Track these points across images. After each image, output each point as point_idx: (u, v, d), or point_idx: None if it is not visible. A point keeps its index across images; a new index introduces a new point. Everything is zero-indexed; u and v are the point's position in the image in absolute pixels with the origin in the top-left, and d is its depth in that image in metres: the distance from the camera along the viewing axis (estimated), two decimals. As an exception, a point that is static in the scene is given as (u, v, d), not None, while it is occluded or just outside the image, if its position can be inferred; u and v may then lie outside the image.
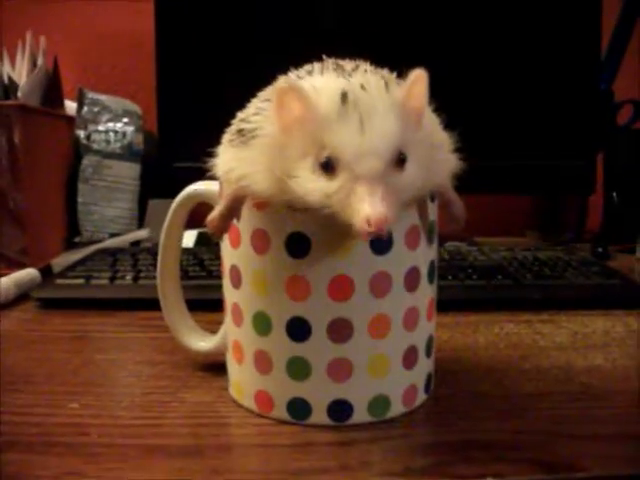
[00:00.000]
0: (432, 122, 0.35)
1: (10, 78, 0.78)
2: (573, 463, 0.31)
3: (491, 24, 0.81)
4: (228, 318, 0.37)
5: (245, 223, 0.34)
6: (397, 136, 0.30)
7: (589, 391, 0.39)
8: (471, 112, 0.81)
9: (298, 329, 0.33)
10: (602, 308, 0.57)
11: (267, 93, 0.35)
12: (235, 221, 0.34)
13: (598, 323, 0.53)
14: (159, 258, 0.42)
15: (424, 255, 0.35)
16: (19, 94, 0.76)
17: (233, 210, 0.33)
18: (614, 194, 0.91)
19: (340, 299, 0.33)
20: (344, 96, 0.30)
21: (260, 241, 0.33)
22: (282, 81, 0.32)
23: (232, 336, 0.37)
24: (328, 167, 0.30)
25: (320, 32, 0.79)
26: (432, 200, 0.35)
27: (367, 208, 0.28)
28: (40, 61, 0.82)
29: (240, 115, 0.36)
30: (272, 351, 0.34)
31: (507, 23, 0.81)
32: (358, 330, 0.33)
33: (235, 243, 0.35)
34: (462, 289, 0.59)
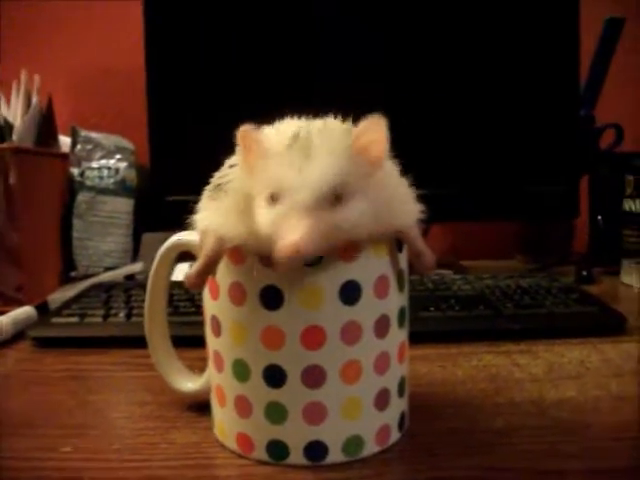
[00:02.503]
0: (389, 168, 0.37)
1: (5, 119, 0.81)
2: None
3: (472, 51, 0.83)
4: (210, 363, 0.39)
5: (222, 276, 0.36)
6: (334, 174, 0.33)
7: (559, 425, 0.41)
8: (456, 141, 0.83)
9: (274, 376, 0.35)
10: (579, 336, 0.58)
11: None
12: (213, 275, 0.36)
13: (574, 352, 0.55)
14: (146, 304, 0.44)
15: (394, 302, 0.37)
16: (14, 136, 0.78)
17: (209, 267, 0.36)
18: (599, 217, 0.94)
19: (313, 348, 0.35)
20: (295, 136, 0.33)
21: (237, 293, 0.35)
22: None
23: (214, 380, 0.39)
24: (273, 199, 0.33)
25: (315, 76, 0.82)
26: (400, 249, 0.37)
27: (286, 236, 0.31)
28: (34, 100, 0.85)
29: (218, 172, 0.38)
30: (251, 396, 0.36)
31: (487, 50, 0.83)
32: (331, 376, 0.35)
33: (214, 295, 0.37)
34: (444, 321, 0.61)
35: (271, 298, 0.34)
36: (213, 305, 0.37)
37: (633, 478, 0.36)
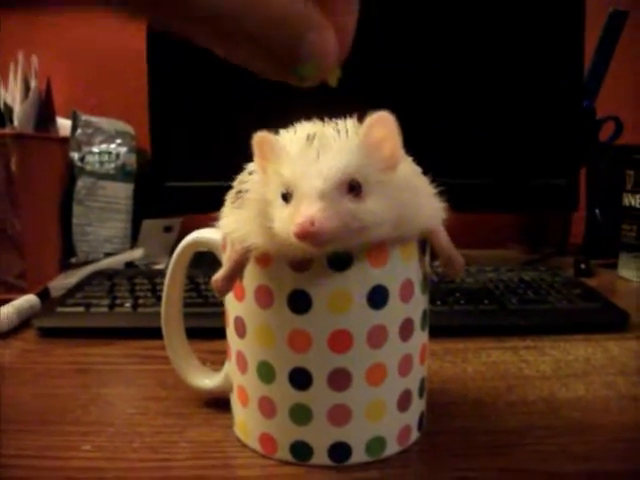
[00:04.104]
0: (410, 169, 0.37)
1: (5, 103, 0.80)
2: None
3: (475, 44, 0.83)
4: (233, 363, 0.39)
5: (249, 279, 0.36)
6: (346, 164, 0.33)
7: (571, 425, 0.42)
8: (455, 132, 0.83)
9: (300, 378, 0.35)
10: (583, 332, 0.59)
11: None
12: (240, 279, 0.36)
13: (580, 349, 0.56)
14: (163, 302, 0.44)
15: (417, 306, 0.37)
16: (15, 122, 0.77)
17: (237, 272, 0.36)
18: (597, 210, 0.94)
19: (339, 351, 0.35)
20: (309, 137, 0.33)
21: (264, 297, 0.35)
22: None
23: (237, 381, 0.39)
24: (286, 197, 0.33)
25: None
26: (423, 253, 0.38)
27: (298, 215, 0.31)
28: (33, 84, 0.84)
29: (239, 177, 0.38)
30: (276, 398, 0.36)
31: (490, 43, 0.83)
32: (356, 379, 0.35)
33: (240, 297, 0.37)
34: (451, 315, 0.61)
35: (299, 302, 0.35)
36: (238, 306, 0.37)
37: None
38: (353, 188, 0.33)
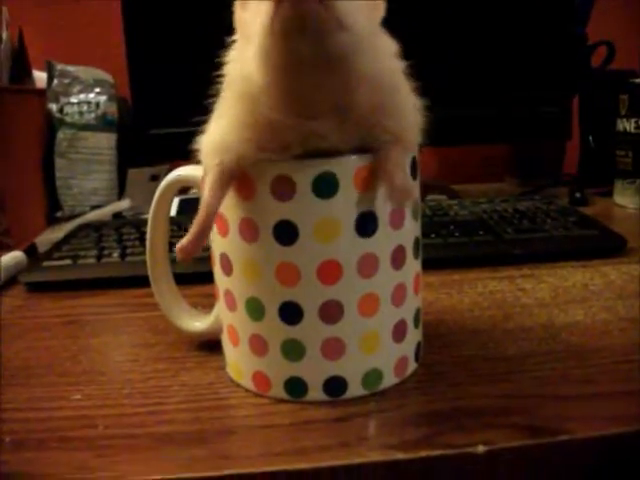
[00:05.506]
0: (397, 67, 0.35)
1: (-24, 55, 0.77)
2: (558, 426, 0.32)
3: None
4: (221, 302, 0.38)
5: (232, 212, 0.34)
6: None
7: (570, 349, 0.41)
8: (446, 62, 0.81)
9: (290, 313, 0.34)
10: (581, 259, 0.58)
11: None
12: (222, 209, 0.35)
13: (577, 276, 0.55)
14: (147, 245, 0.42)
15: (409, 232, 0.36)
16: (-13, 73, 0.74)
17: (204, 232, 0.34)
18: (590, 138, 0.92)
19: (329, 282, 0.33)
20: None
21: (248, 230, 0.34)
22: None
23: (226, 320, 0.38)
24: None
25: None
26: (413, 176, 0.36)
27: None
28: (5, 35, 0.81)
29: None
30: (267, 334, 0.35)
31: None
32: (348, 310, 0.34)
33: (223, 232, 0.35)
34: (445, 247, 0.60)
35: (285, 233, 0.33)
36: (222, 242, 0.36)
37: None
38: None
